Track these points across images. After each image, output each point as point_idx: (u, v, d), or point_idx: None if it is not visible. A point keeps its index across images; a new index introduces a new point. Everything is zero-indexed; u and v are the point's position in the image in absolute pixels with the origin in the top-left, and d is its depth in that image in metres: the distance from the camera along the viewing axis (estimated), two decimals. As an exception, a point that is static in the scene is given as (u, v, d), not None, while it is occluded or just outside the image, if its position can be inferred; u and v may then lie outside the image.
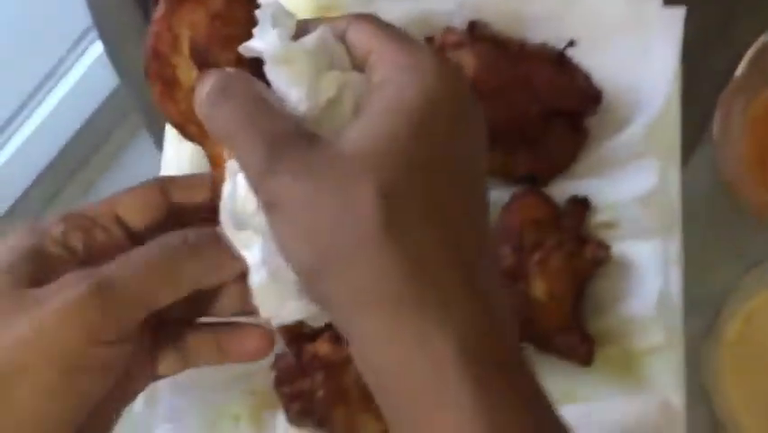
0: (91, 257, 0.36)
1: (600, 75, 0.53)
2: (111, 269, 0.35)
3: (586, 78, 0.52)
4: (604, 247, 0.52)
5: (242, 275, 0.37)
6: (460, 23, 0.54)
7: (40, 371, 0.33)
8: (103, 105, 1.08)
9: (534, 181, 0.55)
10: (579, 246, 0.52)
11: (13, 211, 1.08)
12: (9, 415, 0.33)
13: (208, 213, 0.38)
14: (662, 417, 0.49)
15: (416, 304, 0.30)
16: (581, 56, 0.53)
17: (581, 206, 0.54)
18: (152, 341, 0.39)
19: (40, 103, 1.10)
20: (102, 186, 1.12)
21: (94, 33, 1.07)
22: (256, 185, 0.33)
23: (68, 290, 0.33)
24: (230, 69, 0.36)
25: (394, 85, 0.33)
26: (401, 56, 0.33)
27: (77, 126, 1.12)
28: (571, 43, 0.52)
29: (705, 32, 0.52)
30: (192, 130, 0.39)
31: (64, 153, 1.09)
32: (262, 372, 0.55)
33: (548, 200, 0.53)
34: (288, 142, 0.32)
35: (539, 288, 0.51)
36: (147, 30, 0.38)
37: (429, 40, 0.55)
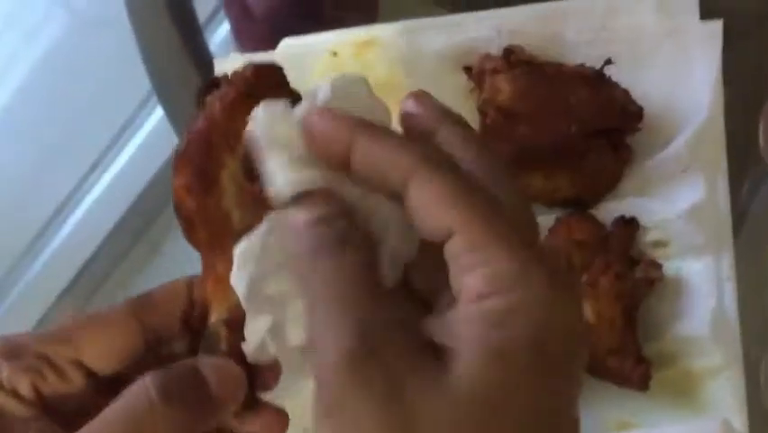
0: (46, 406, 0.32)
1: (640, 92, 0.52)
2: None
3: (625, 95, 0.52)
4: (656, 267, 0.52)
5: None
6: (497, 49, 0.55)
7: None
8: (165, 167, 1.12)
9: (580, 204, 0.54)
10: (628, 267, 0.52)
11: (83, 272, 1.12)
12: None
13: (187, 331, 0.35)
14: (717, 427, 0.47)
15: None
16: (620, 74, 0.53)
17: (629, 226, 0.53)
18: None
19: (107, 167, 1.15)
20: (168, 245, 1.15)
21: (154, 98, 1.12)
22: (325, 376, 0.27)
23: None
24: (337, 218, 0.30)
25: (497, 313, 0.27)
26: (501, 261, 0.27)
27: (142, 188, 1.16)
28: (609, 62, 0.53)
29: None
30: (200, 235, 0.34)
31: (130, 214, 1.13)
32: None
33: (594, 222, 0.53)
34: (389, 344, 0.27)
35: (588, 310, 0.50)
36: (200, 106, 0.34)
37: (467, 68, 0.56)
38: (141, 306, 0.34)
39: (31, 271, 1.13)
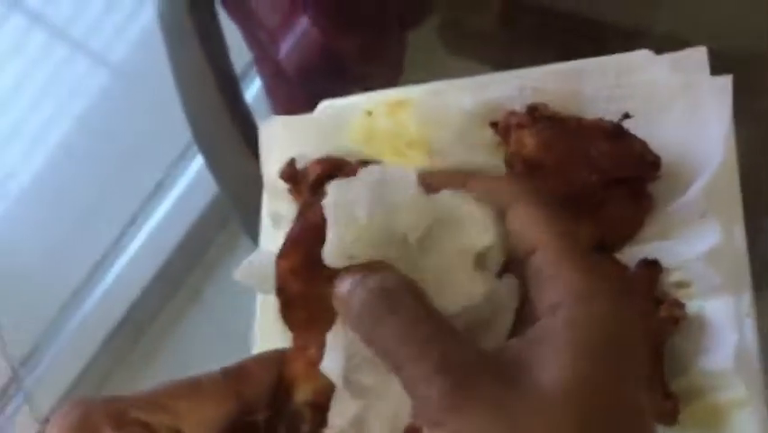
0: None
1: (657, 143, 0.56)
2: None
3: (643, 145, 0.56)
4: (679, 306, 0.55)
5: None
6: (521, 106, 0.59)
7: None
8: (203, 217, 1.17)
9: (604, 249, 0.58)
10: (653, 307, 0.55)
11: (126, 321, 1.16)
12: None
13: (270, 405, 0.37)
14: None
15: None
16: (638, 127, 0.57)
17: (652, 268, 0.56)
18: None
19: (148, 217, 1.20)
20: (208, 292, 1.19)
21: (192, 149, 1.17)
22: (433, 421, 0.30)
23: None
24: (386, 273, 0.33)
25: (575, 319, 0.31)
26: (575, 279, 0.32)
27: (181, 237, 1.21)
28: (627, 115, 0.57)
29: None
30: (298, 316, 0.36)
31: (171, 263, 1.17)
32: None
33: (618, 264, 0.56)
34: (473, 374, 0.30)
35: (616, 349, 0.54)
36: (316, 194, 0.36)
37: (494, 124, 0.60)
38: (237, 376, 0.36)
39: (75, 319, 1.18)
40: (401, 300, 0.32)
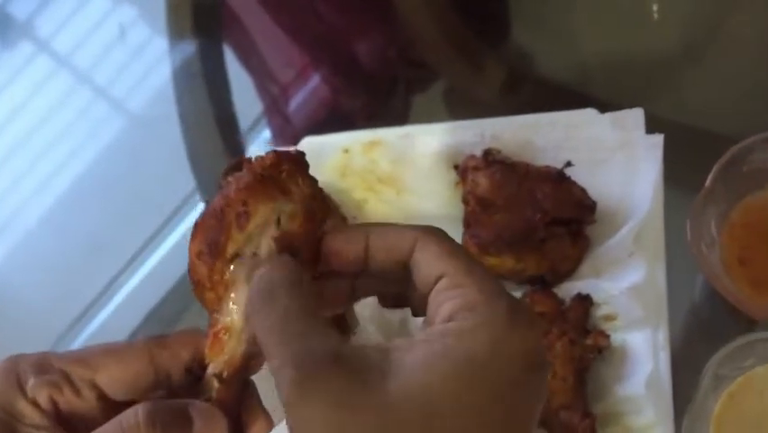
0: (60, 418, 0.38)
1: (596, 190, 0.66)
2: None
3: (582, 191, 0.66)
4: (604, 336, 0.64)
5: None
6: (480, 151, 0.70)
7: None
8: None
9: (544, 282, 0.68)
10: (581, 336, 0.64)
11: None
12: None
13: (190, 376, 0.41)
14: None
15: None
16: (580, 175, 0.67)
17: (584, 301, 0.66)
18: None
19: (145, 259, 1.29)
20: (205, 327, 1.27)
21: (197, 195, 1.27)
22: (284, 409, 0.33)
23: None
24: (281, 268, 0.36)
25: (461, 329, 0.33)
26: (473, 293, 0.34)
27: (177, 280, 1.31)
28: (569, 164, 0.67)
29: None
30: (207, 296, 0.40)
31: (168, 300, 1.26)
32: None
33: (554, 297, 0.66)
34: (322, 370, 0.32)
35: (544, 369, 0.63)
36: (222, 183, 0.41)
37: (456, 166, 0.71)
38: (157, 343, 0.40)
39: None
40: (279, 293, 0.35)
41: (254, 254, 0.40)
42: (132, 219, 1.32)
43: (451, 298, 0.34)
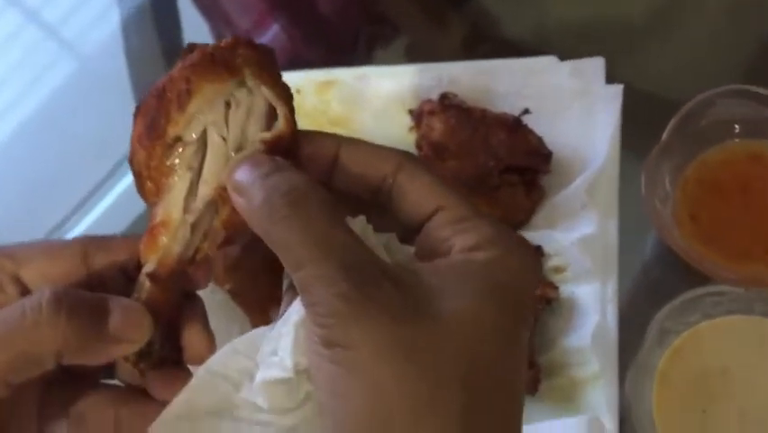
0: None
1: (552, 140, 0.65)
2: None
3: (539, 139, 0.65)
4: (552, 288, 0.64)
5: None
6: (436, 95, 0.69)
7: None
8: (144, 214, 1.24)
9: (496, 232, 0.67)
10: (530, 286, 0.64)
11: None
12: None
13: (123, 278, 0.38)
14: (594, 430, 0.58)
15: None
16: (537, 124, 0.66)
17: (536, 253, 0.65)
18: (23, 406, 0.37)
19: (88, 211, 1.27)
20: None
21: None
22: (328, 322, 0.31)
23: None
24: (296, 174, 0.34)
25: (491, 259, 0.33)
26: (486, 226, 0.34)
27: (131, 221, 1.29)
28: (526, 111, 0.66)
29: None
30: (147, 187, 0.37)
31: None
32: None
33: (504, 246, 0.65)
34: (376, 282, 0.31)
35: (490, 318, 0.62)
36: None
37: (411, 111, 0.70)
38: (92, 244, 0.38)
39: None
40: (307, 201, 0.33)
41: (198, 141, 0.36)
42: (80, 164, 1.29)
43: (463, 231, 0.34)
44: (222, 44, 0.37)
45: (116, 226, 1.27)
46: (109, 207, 1.27)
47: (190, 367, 0.38)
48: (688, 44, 0.72)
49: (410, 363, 0.31)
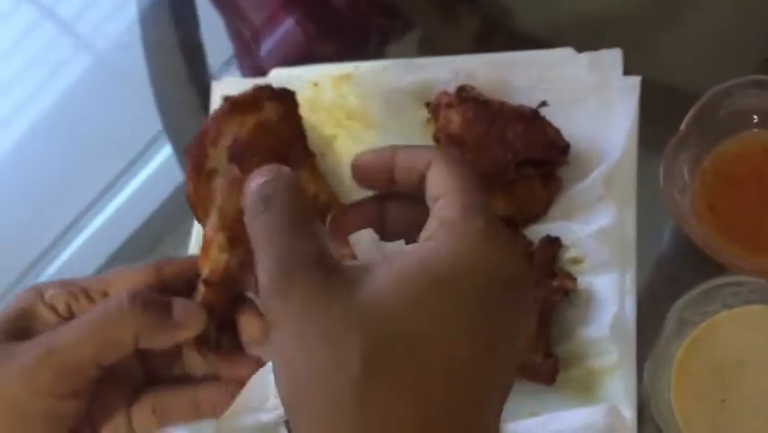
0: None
1: (570, 132, 0.66)
2: (61, 333, 0.43)
3: (556, 132, 0.66)
4: (570, 279, 0.64)
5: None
6: (453, 88, 0.70)
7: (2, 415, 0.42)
8: (168, 200, 1.26)
9: (513, 224, 0.68)
10: (547, 277, 0.64)
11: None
12: None
13: (187, 287, 0.48)
14: (612, 421, 0.59)
15: None
16: (554, 116, 0.66)
17: (553, 244, 0.66)
18: (114, 399, 0.46)
19: (114, 196, 1.28)
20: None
21: (160, 140, 1.26)
22: (264, 306, 0.34)
23: (33, 350, 0.42)
24: (281, 173, 0.38)
25: (432, 246, 0.34)
26: (455, 210, 0.35)
27: (140, 224, 1.30)
28: (543, 103, 0.67)
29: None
30: (199, 213, 0.48)
31: (134, 240, 1.26)
32: None
33: (522, 238, 0.66)
34: (303, 267, 0.34)
35: (508, 310, 0.63)
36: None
37: (428, 104, 0.71)
38: (164, 262, 0.48)
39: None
40: (274, 199, 0.36)
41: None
42: (96, 160, 1.30)
43: (432, 218, 0.36)
44: (243, 94, 0.53)
45: (132, 222, 1.29)
46: (124, 203, 1.28)
47: None
48: (704, 35, 0.73)
49: (319, 342, 0.32)
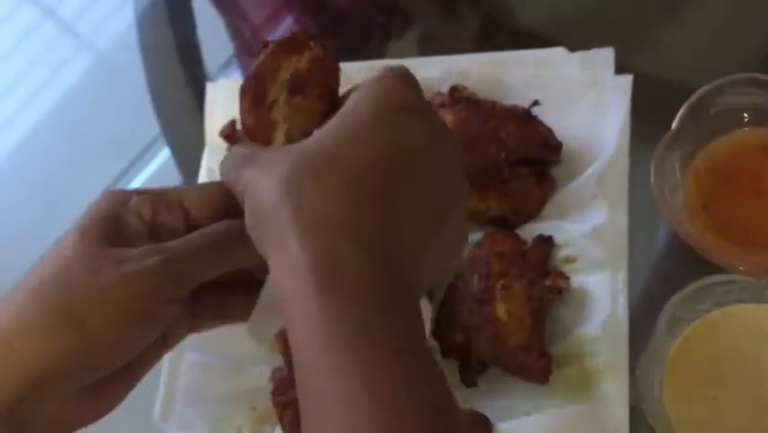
0: (153, 231, 0.48)
1: (563, 131, 0.66)
2: (178, 247, 0.46)
3: (549, 131, 0.66)
4: (564, 278, 0.65)
5: None
6: (446, 88, 0.70)
7: (114, 313, 0.45)
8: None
9: (507, 224, 0.68)
10: (541, 277, 0.65)
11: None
12: (84, 337, 0.45)
13: None
14: (605, 420, 0.59)
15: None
16: (547, 115, 0.67)
17: (546, 243, 0.66)
18: (195, 301, 0.49)
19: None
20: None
21: (158, 143, 1.27)
22: (231, 184, 0.45)
23: (149, 258, 0.45)
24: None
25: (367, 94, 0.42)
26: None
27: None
28: (536, 103, 0.67)
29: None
30: (258, 141, 0.56)
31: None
32: (264, 391, 0.68)
33: (515, 237, 0.66)
34: (261, 150, 0.44)
35: (501, 309, 0.63)
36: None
37: (422, 104, 0.71)
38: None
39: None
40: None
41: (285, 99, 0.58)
42: (97, 159, 1.31)
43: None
44: (285, 37, 0.59)
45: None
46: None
47: None
48: (698, 33, 0.73)
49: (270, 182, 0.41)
